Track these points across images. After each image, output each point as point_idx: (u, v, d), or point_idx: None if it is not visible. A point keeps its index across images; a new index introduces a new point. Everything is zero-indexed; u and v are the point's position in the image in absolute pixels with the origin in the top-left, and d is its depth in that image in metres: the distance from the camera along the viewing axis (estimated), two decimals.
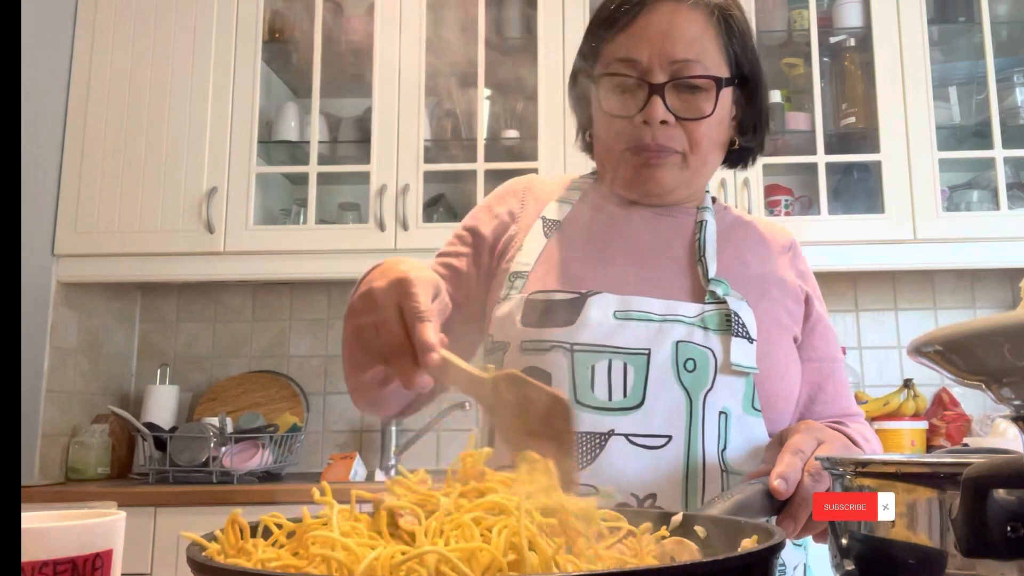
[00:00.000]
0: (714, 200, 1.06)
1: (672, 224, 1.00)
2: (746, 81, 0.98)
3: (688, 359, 0.87)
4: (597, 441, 0.85)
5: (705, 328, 0.89)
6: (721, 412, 0.87)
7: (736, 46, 0.96)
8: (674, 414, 0.86)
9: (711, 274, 0.94)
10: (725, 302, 0.90)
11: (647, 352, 0.87)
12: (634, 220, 1.00)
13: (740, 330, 0.89)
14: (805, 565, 0.95)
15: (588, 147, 1.07)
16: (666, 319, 0.89)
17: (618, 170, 0.98)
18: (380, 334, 0.68)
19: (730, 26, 0.95)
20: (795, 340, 0.98)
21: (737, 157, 1.05)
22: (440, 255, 1.05)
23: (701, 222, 1.00)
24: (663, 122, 0.92)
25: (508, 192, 1.07)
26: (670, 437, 0.85)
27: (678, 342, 0.88)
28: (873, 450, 0.93)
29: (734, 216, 1.07)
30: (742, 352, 0.88)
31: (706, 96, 0.93)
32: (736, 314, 0.89)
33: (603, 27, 0.97)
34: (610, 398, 0.86)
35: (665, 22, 0.93)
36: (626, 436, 0.85)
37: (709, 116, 0.93)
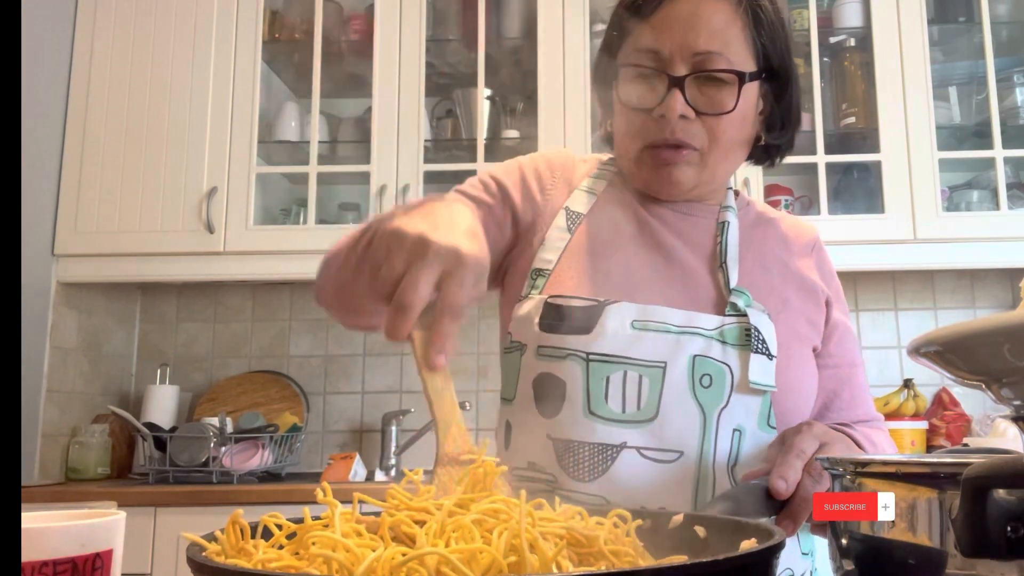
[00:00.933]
0: (737, 194, 1.02)
1: (694, 225, 0.97)
2: (775, 76, 0.93)
3: (704, 374, 0.85)
4: (609, 453, 0.84)
5: (724, 342, 0.86)
6: (735, 429, 0.85)
7: (765, 39, 0.91)
8: (687, 429, 0.84)
9: (732, 283, 0.91)
10: (746, 315, 0.88)
11: (663, 365, 0.85)
12: (655, 221, 0.97)
13: (760, 346, 0.86)
14: (812, 571, 0.94)
15: (608, 138, 1.02)
16: (684, 331, 0.87)
17: (635, 166, 0.95)
18: (392, 276, 0.60)
19: (759, 17, 0.90)
20: (814, 350, 0.96)
21: (763, 154, 1.01)
22: (459, 191, 0.99)
23: (723, 223, 0.97)
24: (682, 116, 0.88)
25: (543, 161, 1.02)
26: (681, 452, 0.84)
27: (695, 356, 0.85)
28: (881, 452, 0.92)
29: (757, 212, 1.04)
30: (760, 369, 0.86)
31: (729, 91, 0.89)
32: (756, 329, 0.87)
33: (626, 15, 0.93)
34: (624, 410, 0.84)
35: (689, 12, 0.89)
36: (638, 449, 0.84)
37: (730, 112, 0.89)
